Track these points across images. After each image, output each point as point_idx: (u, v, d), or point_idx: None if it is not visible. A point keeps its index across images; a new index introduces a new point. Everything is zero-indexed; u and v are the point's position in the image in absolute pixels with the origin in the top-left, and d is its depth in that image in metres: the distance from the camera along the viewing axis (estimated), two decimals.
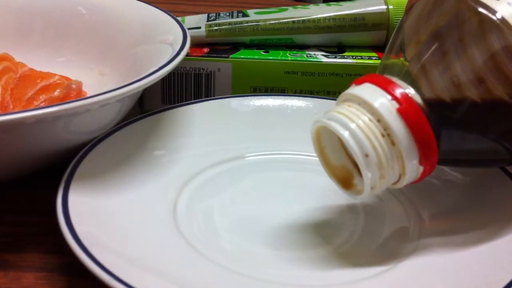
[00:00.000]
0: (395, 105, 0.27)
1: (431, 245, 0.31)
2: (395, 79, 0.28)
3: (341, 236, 0.32)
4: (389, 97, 0.27)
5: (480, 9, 0.27)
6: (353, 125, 0.27)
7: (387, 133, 0.27)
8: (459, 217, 0.32)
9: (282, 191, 0.35)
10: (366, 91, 0.28)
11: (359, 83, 0.28)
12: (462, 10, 0.28)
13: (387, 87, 0.27)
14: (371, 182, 0.27)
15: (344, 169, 0.30)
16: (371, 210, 0.34)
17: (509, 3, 0.27)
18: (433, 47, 0.28)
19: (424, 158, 0.27)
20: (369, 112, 0.27)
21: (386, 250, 0.31)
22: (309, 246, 0.31)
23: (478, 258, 0.29)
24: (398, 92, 0.27)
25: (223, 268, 0.29)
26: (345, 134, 0.27)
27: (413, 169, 0.27)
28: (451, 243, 0.31)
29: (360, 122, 0.27)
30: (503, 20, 0.27)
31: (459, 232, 0.31)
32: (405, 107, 0.27)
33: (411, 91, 0.27)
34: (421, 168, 0.28)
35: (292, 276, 0.30)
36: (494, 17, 0.27)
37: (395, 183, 0.28)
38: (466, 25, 0.28)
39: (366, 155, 0.27)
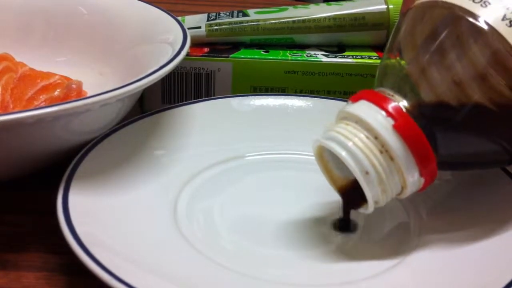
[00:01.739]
0: (391, 121, 0.27)
1: (430, 244, 0.31)
2: (390, 93, 0.28)
3: (341, 235, 0.32)
4: (384, 113, 0.28)
5: (467, 17, 0.28)
6: (350, 144, 0.28)
7: (385, 149, 0.27)
8: (459, 215, 0.32)
9: (282, 191, 0.35)
10: (362, 108, 0.28)
11: (355, 100, 0.29)
12: (450, 17, 0.28)
13: (382, 103, 0.28)
14: (374, 198, 0.28)
15: (348, 181, 0.30)
16: None
17: (495, 8, 0.27)
18: (429, 50, 0.28)
19: (423, 170, 0.28)
20: (366, 130, 0.28)
21: (386, 249, 0.31)
22: (310, 246, 0.31)
23: (478, 258, 0.29)
24: (392, 108, 0.28)
25: (223, 268, 0.29)
26: (343, 153, 0.28)
27: (414, 181, 0.28)
28: (450, 243, 0.31)
29: (357, 140, 0.28)
30: (490, 27, 0.27)
31: (459, 230, 0.31)
32: (400, 123, 0.27)
33: (405, 103, 0.28)
34: (422, 180, 0.28)
35: (292, 276, 0.30)
36: (480, 24, 0.27)
37: (398, 194, 0.29)
38: (457, 31, 0.28)
39: (366, 173, 0.27)
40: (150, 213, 0.32)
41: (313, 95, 0.41)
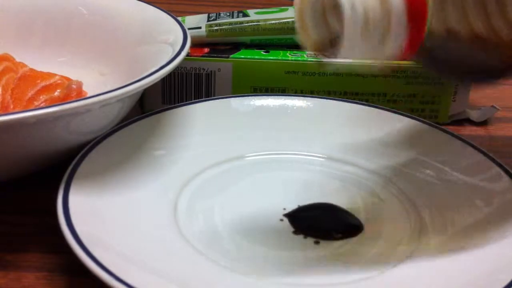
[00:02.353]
0: None
1: (431, 245, 0.31)
2: None
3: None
4: None
5: None
6: None
7: None
8: (459, 215, 0.32)
9: (282, 191, 0.35)
10: None
11: None
12: None
13: None
14: (353, 30, 0.25)
15: (322, 42, 0.28)
16: (371, 209, 0.34)
17: None
18: None
19: (411, 22, 0.25)
20: None
21: (386, 250, 0.31)
22: (309, 246, 0.31)
23: (478, 258, 0.29)
24: None
25: (223, 268, 0.29)
26: None
27: (399, 28, 0.26)
28: (451, 244, 0.31)
29: None
30: None
31: (460, 232, 0.31)
32: None
33: None
34: (405, 34, 0.26)
35: (292, 276, 0.30)
36: None
37: (378, 45, 0.26)
38: None
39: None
40: (150, 213, 0.32)
41: (313, 95, 0.41)
